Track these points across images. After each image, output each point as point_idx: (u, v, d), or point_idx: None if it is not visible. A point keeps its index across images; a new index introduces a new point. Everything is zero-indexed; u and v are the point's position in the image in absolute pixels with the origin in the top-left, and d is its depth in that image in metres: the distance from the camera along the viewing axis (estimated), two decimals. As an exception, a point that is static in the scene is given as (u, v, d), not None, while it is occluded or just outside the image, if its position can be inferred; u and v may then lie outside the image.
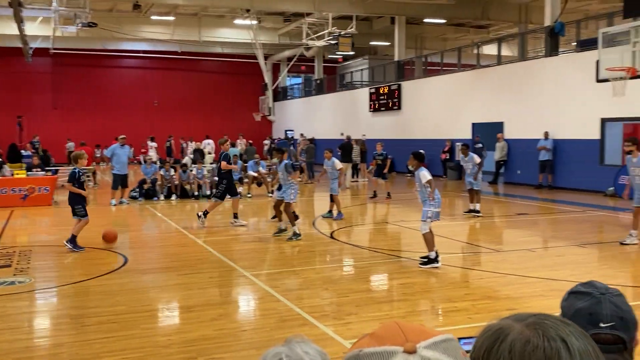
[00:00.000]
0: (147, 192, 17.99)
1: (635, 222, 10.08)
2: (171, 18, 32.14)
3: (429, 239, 8.55)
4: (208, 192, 18.19)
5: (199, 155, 25.51)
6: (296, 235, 10.97)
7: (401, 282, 8.04)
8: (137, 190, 17.78)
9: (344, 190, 20.67)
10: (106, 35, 31.55)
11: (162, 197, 18.00)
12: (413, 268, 8.75)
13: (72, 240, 9.98)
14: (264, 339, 5.63)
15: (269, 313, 6.54)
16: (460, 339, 1.23)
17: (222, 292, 7.62)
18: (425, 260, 8.59)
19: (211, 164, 23.17)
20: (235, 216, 12.87)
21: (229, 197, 13.06)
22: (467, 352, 0.97)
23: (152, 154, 26.42)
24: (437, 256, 8.56)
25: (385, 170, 17.84)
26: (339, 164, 14.13)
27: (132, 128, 36.42)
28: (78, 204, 10.11)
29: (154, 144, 31.81)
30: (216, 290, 7.68)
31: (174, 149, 34.03)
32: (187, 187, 18.46)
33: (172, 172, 18.52)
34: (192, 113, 40.27)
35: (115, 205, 16.33)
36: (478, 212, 13.96)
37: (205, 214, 12.69)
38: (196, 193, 18.22)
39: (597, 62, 13.03)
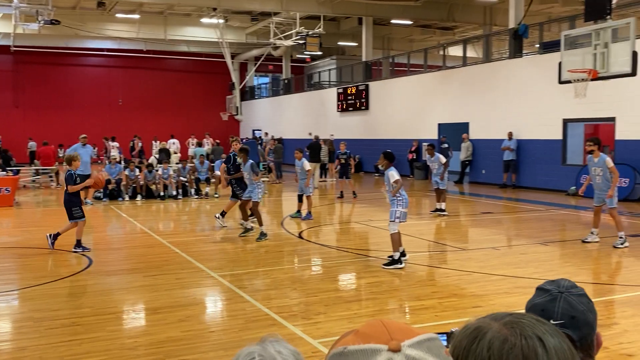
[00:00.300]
0: (112, 193, 17.72)
1: (596, 221, 10.31)
2: (136, 16, 31.70)
3: (395, 239, 8.66)
4: (174, 193, 18.01)
5: (164, 155, 25.21)
6: (263, 235, 11.04)
7: (369, 281, 8.09)
8: (101, 190, 17.50)
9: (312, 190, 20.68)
10: (69, 33, 30.97)
11: (127, 198, 17.75)
12: (381, 267, 8.81)
13: (78, 244, 9.89)
14: (232, 340, 5.61)
15: (237, 314, 6.51)
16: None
17: (189, 293, 7.56)
18: (389, 261, 8.69)
19: (177, 163, 22.92)
20: (223, 214, 12.61)
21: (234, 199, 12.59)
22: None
23: (115, 154, 25.95)
24: (401, 256, 8.64)
25: (352, 170, 17.96)
26: (307, 165, 14.15)
27: (96, 127, 35.89)
28: (75, 205, 9.96)
29: (115, 144, 31.18)
30: (183, 291, 7.61)
31: (136, 149, 33.37)
32: (153, 187, 18.24)
33: (137, 172, 18.27)
34: (157, 112, 39.80)
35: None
36: (444, 211, 14.18)
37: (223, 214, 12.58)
38: (162, 193, 18.02)
39: (560, 64, 13.29)
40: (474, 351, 0.96)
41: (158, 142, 30.17)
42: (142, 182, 18.06)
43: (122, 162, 22.64)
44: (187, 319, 6.31)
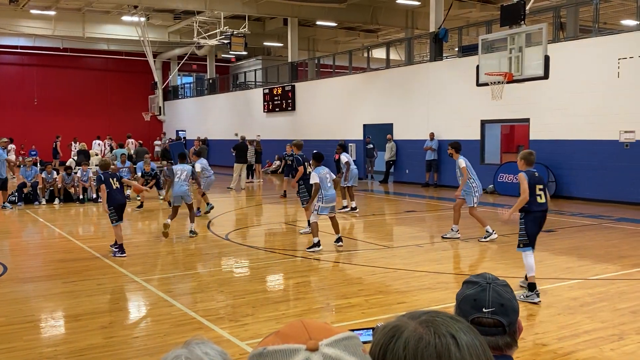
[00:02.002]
0: (27, 197, 16.93)
1: (456, 217, 11.03)
2: (52, 13, 30.41)
3: (314, 227, 9.95)
4: (94, 196, 17.40)
5: (83, 156, 24.30)
6: (193, 232, 11.68)
7: (297, 281, 8.12)
8: (16, 194, 16.70)
9: (239, 191, 20.53)
10: (-21, 29, 29.35)
11: (43, 202, 17.02)
12: (309, 267, 8.86)
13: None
14: (158, 345, 5.49)
15: (162, 318, 6.37)
16: (354, 330, 1.28)
17: (111, 299, 7.33)
18: (312, 244, 9.90)
19: (96, 165, 22.11)
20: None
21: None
22: (364, 342, 1.01)
23: (12, 157, 24.71)
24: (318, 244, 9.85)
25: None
26: (198, 167, 14.11)
27: (10, 128, 34.07)
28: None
29: (13, 146, 29.63)
30: (105, 297, 7.37)
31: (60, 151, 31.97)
32: (72, 190, 17.56)
33: (54, 174, 17.54)
34: (77, 112, 38.22)
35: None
36: (353, 208, 14.85)
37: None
38: (81, 197, 17.39)
39: (477, 67, 13.77)
40: (392, 349, 1.00)
41: (78, 143, 29.05)
42: (59, 185, 17.36)
43: (38, 165, 21.65)
44: (110, 325, 6.12)
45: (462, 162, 10.69)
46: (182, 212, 12.24)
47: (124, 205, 9.81)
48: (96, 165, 15.76)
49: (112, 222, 9.64)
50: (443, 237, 11.07)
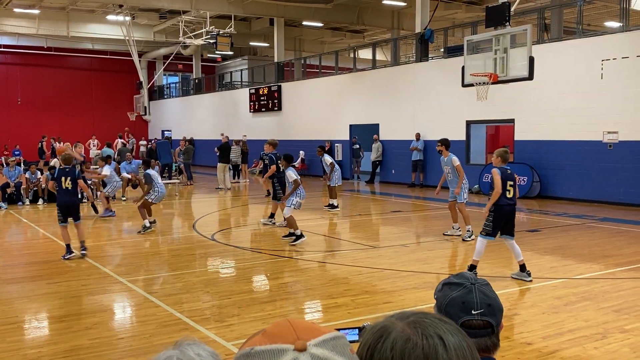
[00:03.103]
0: (10, 197, 16.75)
1: (453, 216, 11.20)
2: (36, 11, 30.12)
3: (291, 221, 10.54)
4: (79, 196, 17.22)
5: (69, 156, 24.07)
6: (145, 228, 11.96)
7: (283, 281, 8.11)
8: (-1, 194, 16.52)
9: (225, 191, 20.48)
10: (-39, 27, 29.00)
11: (27, 202, 16.85)
12: (295, 267, 8.86)
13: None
14: (143, 346, 5.45)
15: (148, 319, 6.34)
16: (340, 329, 1.28)
17: (96, 299, 7.28)
18: (294, 237, 10.48)
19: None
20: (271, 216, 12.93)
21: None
22: (352, 342, 1.02)
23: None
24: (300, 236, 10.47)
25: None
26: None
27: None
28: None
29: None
30: (90, 298, 7.32)
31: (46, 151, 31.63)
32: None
33: (38, 174, 17.36)
34: (61, 112, 37.86)
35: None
36: (335, 206, 15.20)
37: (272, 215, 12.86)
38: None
39: (463, 68, 13.84)
40: (379, 350, 1.00)
41: (62, 143, 28.77)
42: (43, 186, 17.19)
43: (22, 165, 21.45)
44: (95, 326, 6.08)
45: (456, 159, 10.87)
46: (167, 212, 12.19)
47: (71, 206, 9.51)
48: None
49: (58, 221, 9.51)
50: (444, 234, 11.29)
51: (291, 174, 10.51)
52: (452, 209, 11.19)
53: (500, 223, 7.61)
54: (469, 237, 10.74)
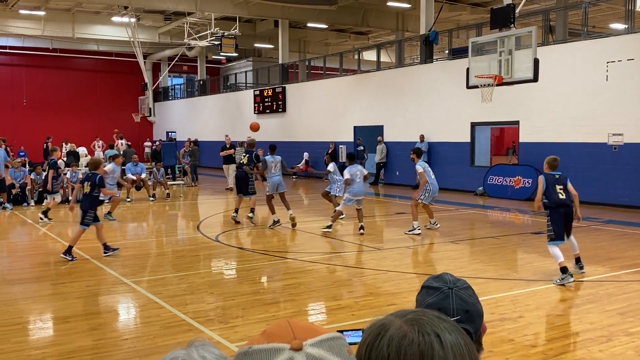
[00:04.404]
0: (16, 198, 16.81)
1: (429, 213, 12.20)
2: (42, 13, 30.21)
3: (337, 214, 12.23)
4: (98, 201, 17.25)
5: (72, 157, 24.16)
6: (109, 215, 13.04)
7: (287, 282, 8.11)
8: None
9: (232, 192, 20.51)
10: (-33, 28, 29.11)
11: (32, 203, 16.91)
12: (299, 269, 8.85)
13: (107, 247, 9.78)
14: (147, 347, 5.46)
15: (152, 320, 6.35)
16: (343, 331, 1.28)
17: (101, 300, 7.29)
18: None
19: (86, 166, 22.00)
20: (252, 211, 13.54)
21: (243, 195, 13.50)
22: (352, 343, 1.02)
23: None
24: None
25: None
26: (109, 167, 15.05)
27: (-2, 129, 33.87)
28: (94, 209, 9.71)
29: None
30: (94, 299, 7.34)
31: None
32: (60, 191, 17.43)
33: (43, 175, 17.40)
34: (66, 113, 37.99)
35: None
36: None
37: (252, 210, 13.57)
38: (70, 198, 17.26)
39: (467, 69, 13.82)
40: (376, 347, 1.00)
41: (68, 144, 28.89)
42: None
43: (27, 166, 21.53)
44: (99, 327, 6.09)
45: (419, 167, 11.87)
46: (172, 214, 12.17)
47: (83, 210, 9.71)
48: (85, 166, 15.76)
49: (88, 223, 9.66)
50: (405, 232, 11.90)
51: (346, 172, 11.77)
52: (427, 207, 12.22)
53: (560, 224, 7.98)
54: (410, 231, 11.68)
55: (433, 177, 12.07)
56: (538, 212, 9.49)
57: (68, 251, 9.43)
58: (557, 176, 8.22)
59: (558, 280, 7.67)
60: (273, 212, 12.75)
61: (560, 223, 7.96)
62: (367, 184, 12.33)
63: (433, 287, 1.52)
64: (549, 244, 8.00)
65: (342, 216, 14.99)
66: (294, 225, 12.54)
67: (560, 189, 8.08)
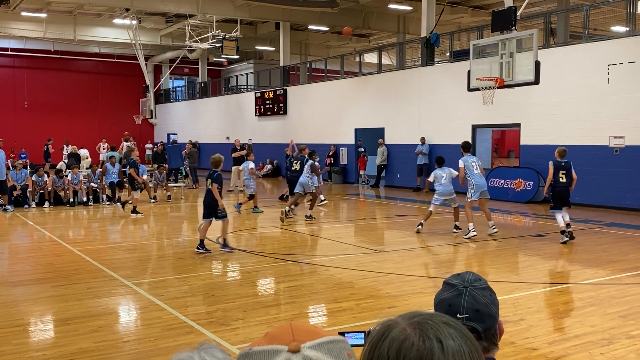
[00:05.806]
0: (17, 200, 16.83)
1: (468, 215, 11.77)
2: (43, 15, 30.27)
3: (428, 214, 12.46)
4: (84, 199, 17.32)
5: (74, 160, 24.16)
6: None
7: (288, 285, 8.10)
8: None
9: (236, 193, 20.48)
10: (-31, 31, 29.16)
11: (33, 205, 16.92)
12: (300, 271, 8.85)
13: (225, 244, 10.37)
14: (148, 349, 5.46)
15: (153, 322, 6.35)
16: (345, 332, 1.28)
17: (101, 302, 7.29)
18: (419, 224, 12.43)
19: (87, 168, 22.03)
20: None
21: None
22: (354, 345, 1.02)
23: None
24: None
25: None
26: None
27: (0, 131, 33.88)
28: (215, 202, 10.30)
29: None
30: (95, 301, 7.33)
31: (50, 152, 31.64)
32: (62, 193, 17.46)
33: (45, 177, 17.44)
34: (67, 115, 38.02)
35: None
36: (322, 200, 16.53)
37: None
38: (71, 200, 17.30)
39: (469, 72, 13.82)
40: (379, 347, 1.00)
41: (69, 146, 28.90)
42: (50, 188, 17.26)
43: (29, 167, 21.55)
44: (100, 329, 6.09)
45: (460, 162, 11.85)
46: (173, 216, 12.18)
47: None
48: (87, 168, 16.09)
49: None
50: (464, 237, 11.62)
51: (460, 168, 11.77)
52: (468, 209, 12.05)
53: (558, 199, 10.71)
54: (466, 235, 11.50)
55: (477, 172, 11.60)
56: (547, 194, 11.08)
57: (225, 244, 10.32)
58: (563, 163, 10.67)
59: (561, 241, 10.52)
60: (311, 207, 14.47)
61: (558, 198, 10.70)
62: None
63: (451, 283, 1.58)
64: (550, 211, 11.08)
65: (324, 201, 16.77)
66: (282, 220, 13.65)
67: (563, 174, 10.61)
